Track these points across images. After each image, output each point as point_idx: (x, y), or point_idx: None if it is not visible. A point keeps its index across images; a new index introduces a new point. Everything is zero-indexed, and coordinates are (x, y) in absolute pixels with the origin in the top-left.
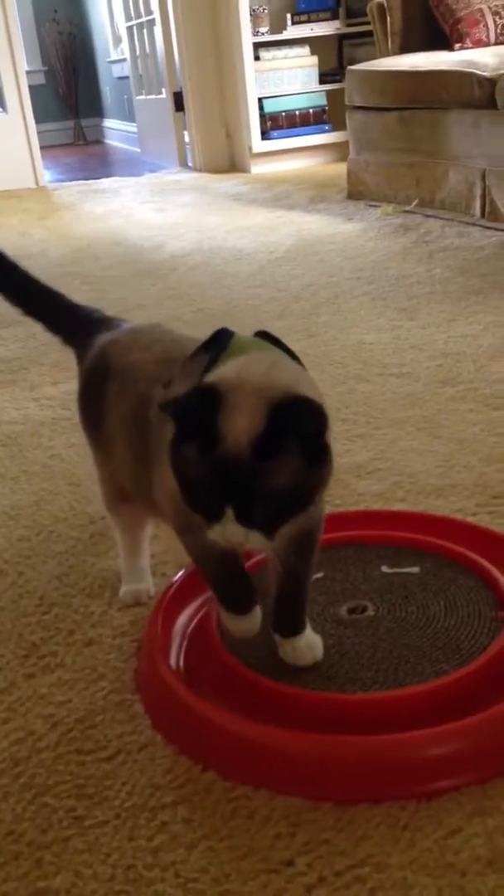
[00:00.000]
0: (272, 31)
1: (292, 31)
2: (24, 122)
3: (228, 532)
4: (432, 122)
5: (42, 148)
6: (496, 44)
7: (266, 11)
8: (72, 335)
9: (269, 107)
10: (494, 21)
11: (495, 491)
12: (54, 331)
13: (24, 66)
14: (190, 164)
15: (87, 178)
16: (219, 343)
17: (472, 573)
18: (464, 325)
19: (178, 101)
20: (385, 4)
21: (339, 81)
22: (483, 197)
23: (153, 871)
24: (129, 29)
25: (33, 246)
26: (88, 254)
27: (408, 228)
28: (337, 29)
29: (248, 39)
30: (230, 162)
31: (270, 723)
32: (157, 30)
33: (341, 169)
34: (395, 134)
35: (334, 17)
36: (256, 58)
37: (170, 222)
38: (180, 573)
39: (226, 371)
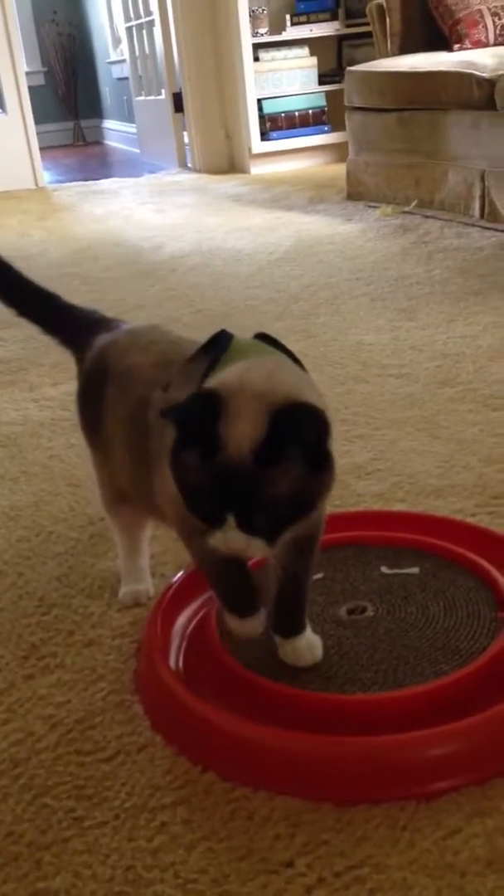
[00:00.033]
0: (271, 31)
1: (291, 32)
2: (24, 123)
3: (230, 539)
4: (431, 122)
5: (41, 149)
6: (495, 44)
7: (265, 12)
8: (69, 337)
9: (269, 108)
10: (493, 22)
11: (495, 491)
12: (51, 332)
13: (23, 66)
14: (189, 164)
15: (86, 179)
16: (218, 346)
17: (471, 574)
18: (463, 326)
19: (178, 102)
20: (384, 5)
21: (339, 82)
22: (482, 198)
23: (153, 872)
24: (129, 30)
25: (33, 247)
26: (88, 255)
27: (407, 229)
28: (336, 30)
29: (247, 40)
30: (229, 163)
31: (270, 723)
32: (157, 31)
33: (340, 170)
34: (395, 135)
35: (333, 17)
36: (256, 59)
37: (169, 223)
38: (179, 574)
39: (227, 376)
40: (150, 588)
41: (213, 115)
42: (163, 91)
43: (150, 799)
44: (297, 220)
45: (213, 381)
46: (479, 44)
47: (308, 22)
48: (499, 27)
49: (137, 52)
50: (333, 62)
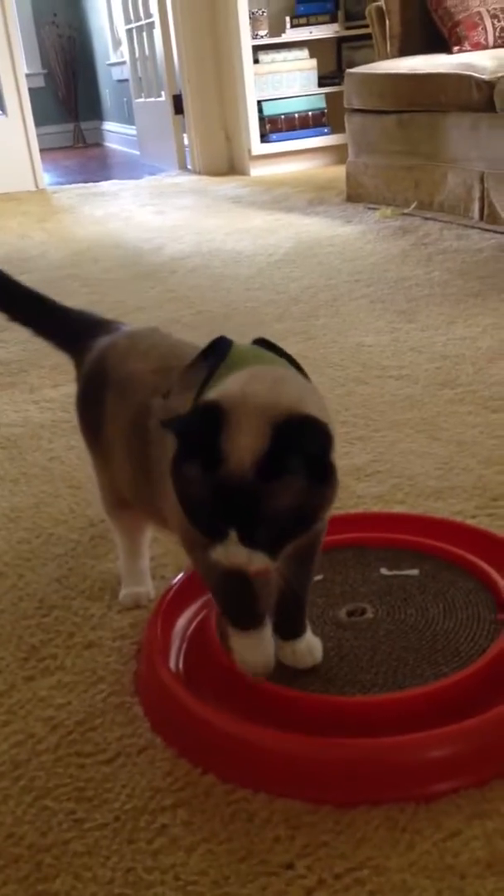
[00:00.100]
0: (271, 34)
1: (291, 34)
2: (24, 125)
3: (231, 553)
4: (431, 124)
5: (41, 151)
6: (494, 47)
7: (265, 14)
8: (65, 340)
9: (269, 109)
10: (493, 24)
11: (494, 493)
12: (44, 336)
13: (23, 68)
14: (189, 166)
15: (86, 181)
16: (217, 352)
17: (471, 576)
18: (463, 328)
19: (178, 104)
20: (384, 8)
21: (338, 84)
22: (482, 199)
23: (153, 874)
24: (129, 32)
25: (33, 248)
26: (88, 256)
27: (406, 231)
28: (336, 32)
29: (247, 42)
30: (229, 164)
31: (270, 725)
32: (157, 33)
33: (340, 171)
34: (394, 137)
35: (333, 20)
36: (255, 61)
37: (169, 225)
38: (180, 576)
39: (229, 387)
40: (151, 590)
41: (212, 117)
42: (163, 93)
43: (150, 801)
44: (296, 221)
45: (214, 393)
46: (478, 46)
47: (308, 24)
48: (498, 29)
49: (137, 54)
50: (333, 64)
